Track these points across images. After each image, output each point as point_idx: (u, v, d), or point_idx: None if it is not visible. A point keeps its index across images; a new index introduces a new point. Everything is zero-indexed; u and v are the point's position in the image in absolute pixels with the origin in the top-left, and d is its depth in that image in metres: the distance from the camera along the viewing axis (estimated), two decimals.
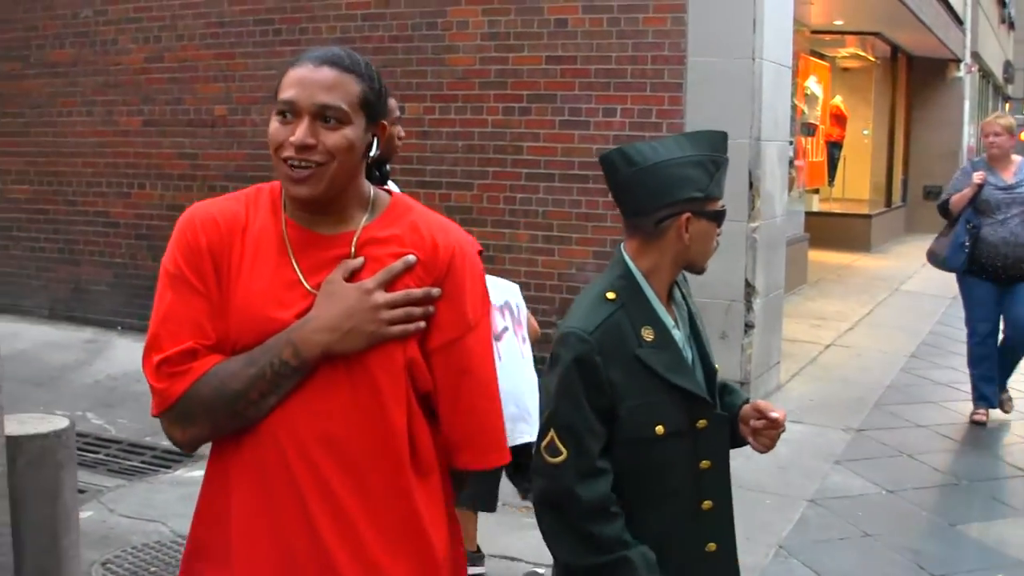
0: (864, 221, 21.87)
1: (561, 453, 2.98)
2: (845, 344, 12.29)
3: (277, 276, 2.55)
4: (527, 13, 9.66)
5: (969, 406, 9.38)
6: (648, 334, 3.04)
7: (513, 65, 9.74)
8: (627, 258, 3.13)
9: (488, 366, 2.73)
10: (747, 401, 3.30)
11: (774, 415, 3.12)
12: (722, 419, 3.19)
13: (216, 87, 11.28)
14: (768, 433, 3.17)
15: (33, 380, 9.61)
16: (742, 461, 7.79)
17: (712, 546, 3.18)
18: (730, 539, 3.27)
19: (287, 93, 2.50)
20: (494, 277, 4.77)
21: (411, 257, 2.58)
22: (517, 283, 5.72)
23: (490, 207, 9.81)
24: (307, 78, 2.50)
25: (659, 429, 3.01)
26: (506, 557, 6.19)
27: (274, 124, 2.52)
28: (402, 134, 5.27)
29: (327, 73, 2.51)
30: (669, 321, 3.11)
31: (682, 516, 3.11)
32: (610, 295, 3.08)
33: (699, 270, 3.17)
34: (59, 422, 3.58)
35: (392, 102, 5.08)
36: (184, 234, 2.56)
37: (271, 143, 2.52)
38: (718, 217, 3.11)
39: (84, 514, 6.32)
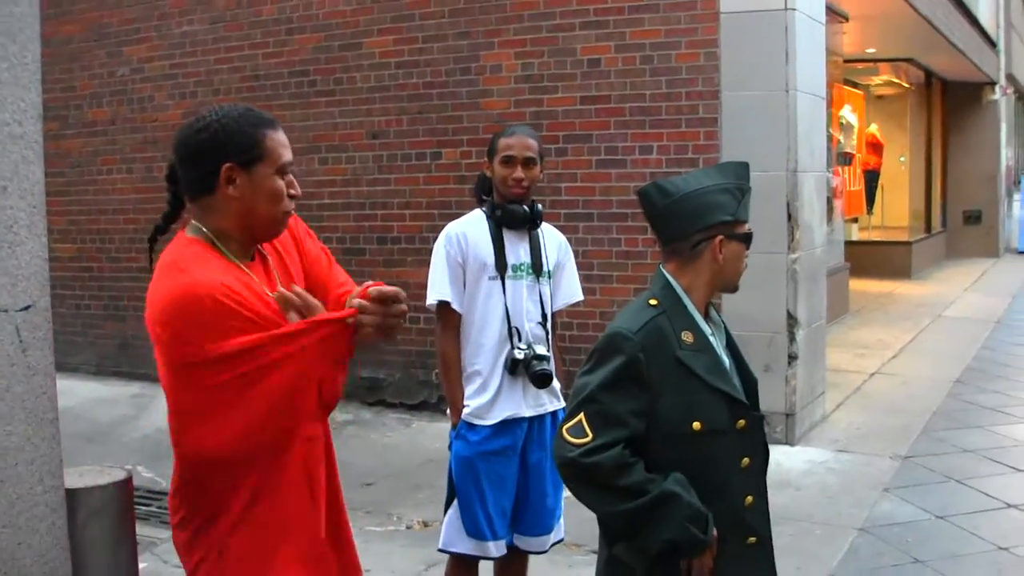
0: (904, 248, 21.78)
1: (586, 436, 3.19)
2: (890, 372, 12.23)
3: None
4: (560, 55, 9.75)
5: (1016, 429, 9.36)
6: (688, 337, 3.30)
7: (548, 107, 9.83)
8: (667, 274, 3.40)
9: None
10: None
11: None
12: (759, 419, 3.43)
13: None
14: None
15: (84, 436, 9.69)
16: (791, 492, 7.82)
17: (752, 539, 3.39)
18: (767, 531, 3.48)
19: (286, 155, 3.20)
20: None
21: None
22: (560, 322, 5.72)
23: None
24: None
25: (696, 425, 3.23)
26: None
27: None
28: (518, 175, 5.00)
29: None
30: (707, 329, 3.38)
31: (727, 511, 3.30)
32: (652, 302, 3.36)
33: (732, 288, 3.48)
34: (117, 474, 3.63)
35: (501, 141, 5.04)
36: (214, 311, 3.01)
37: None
38: (747, 239, 3.43)
39: (140, 565, 6.36)
